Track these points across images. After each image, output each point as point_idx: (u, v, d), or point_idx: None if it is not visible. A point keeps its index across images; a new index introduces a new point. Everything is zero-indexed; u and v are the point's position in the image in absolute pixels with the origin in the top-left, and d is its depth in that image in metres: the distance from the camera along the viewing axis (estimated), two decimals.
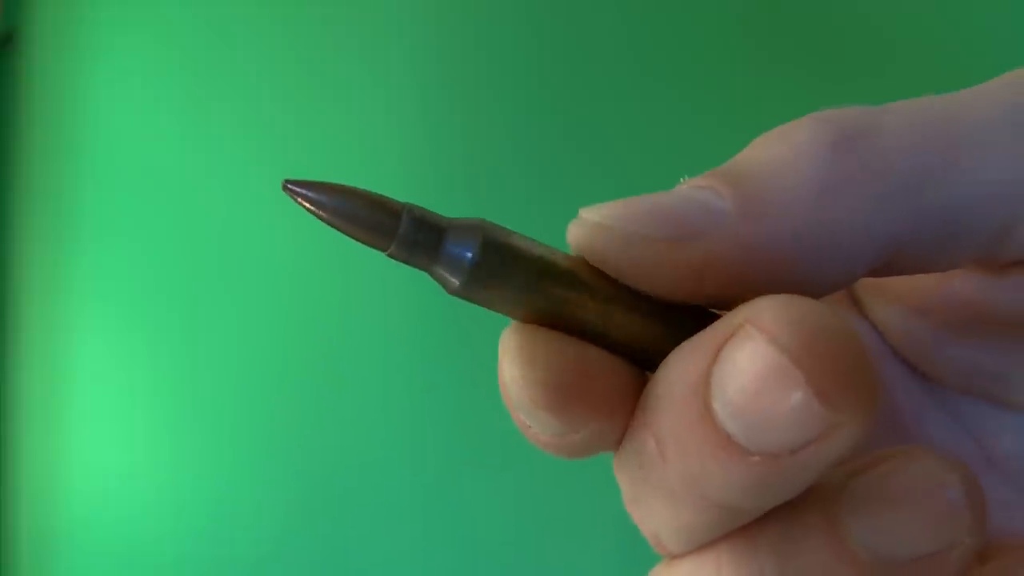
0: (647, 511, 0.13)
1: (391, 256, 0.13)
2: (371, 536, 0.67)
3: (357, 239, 0.13)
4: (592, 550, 0.61)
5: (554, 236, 0.13)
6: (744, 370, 0.11)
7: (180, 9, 0.74)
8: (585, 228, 0.13)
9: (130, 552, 0.74)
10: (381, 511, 0.67)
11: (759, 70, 0.58)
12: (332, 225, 0.13)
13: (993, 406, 0.15)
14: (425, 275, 0.13)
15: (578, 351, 0.13)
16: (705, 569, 0.13)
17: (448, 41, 0.66)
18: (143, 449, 0.74)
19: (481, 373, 0.62)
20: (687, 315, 0.13)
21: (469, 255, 0.12)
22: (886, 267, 0.13)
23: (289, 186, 0.13)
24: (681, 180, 0.13)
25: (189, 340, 0.73)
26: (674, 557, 0.13)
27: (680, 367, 0.12)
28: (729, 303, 0.13)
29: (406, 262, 0.13)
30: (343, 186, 0.13)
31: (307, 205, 0.13)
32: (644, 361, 0.13)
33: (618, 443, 0.13)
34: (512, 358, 0.12)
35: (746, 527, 0.12)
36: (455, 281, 0.12)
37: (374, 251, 0.13)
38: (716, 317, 0.13)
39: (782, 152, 0.12)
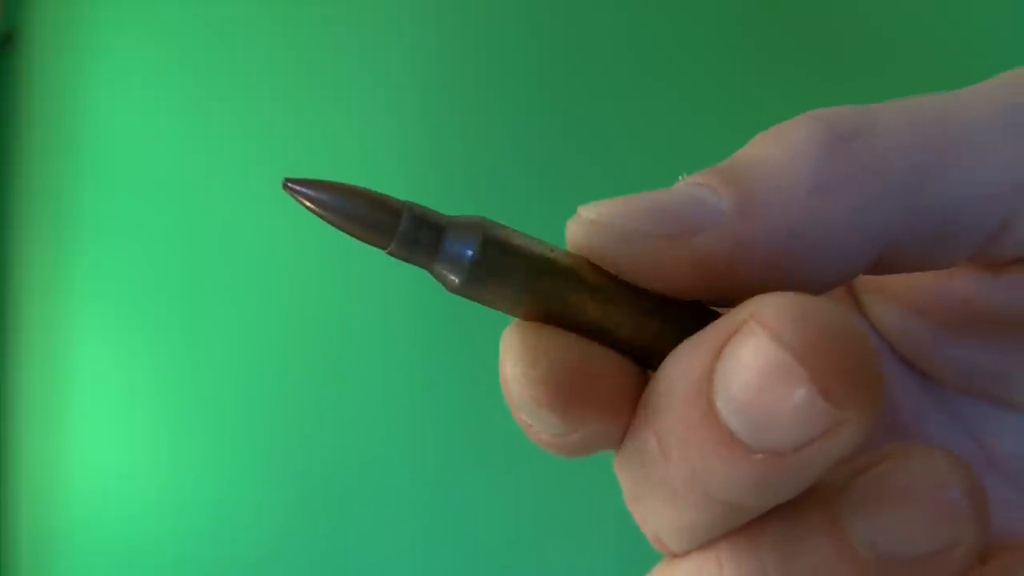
0: (648, 510, 0.13)
1: (391, 254, 0.13)
2: (371, 536, 0.67)
3: (357, 237, 0.13)
4: (592, 549, 0.60)
5: (554, 235, 0.13)
6: (747, 367, 0.11)
7: (180, 9, 0.74)
8: (583, 225, 0.13)
9: (130, 552, 0.74)
10: (381, 511, 0.67)
11: (759, 70, 0.58)
12: (332, 224, 0.13)
13: (993, 406, 0.15)
14: (425, 273, 0.13)
15: (580, 349, 0.13)
16: (707, 568, 0.13)
17: (448, 41, 0.66)
18: (143, 449, 0.74)
19: (481, 372, 0.62)
20: (687, 312, 0.13)
21: (469, 253, 0.12)
22: (882, 265, 0.13)
23: (289, 185, 0.13)
24: (679, 178, 0.13)
25: (189, 340, 0.73)
26: (675, 556, 0.13)
27: (683, 364, 0.12)
28: (728, 300, 0.13)
29: (406, 260, 0.13)
30: (343, 184, 0.13)
31: (307, 204, 0.13)
32: (645, 359, 0.13)
33: (619, 442, 0.13)
34: (514, 357, 0.12)
35: (748, 525, 0.12)
36: (455, 279, 0.12)
37: (374, 250, 0.13)
38: (716, 315, 0.13)
39: (778, 151, 0.12)
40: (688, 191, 0.13)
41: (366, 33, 0.68)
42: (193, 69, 0.73)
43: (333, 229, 0.13)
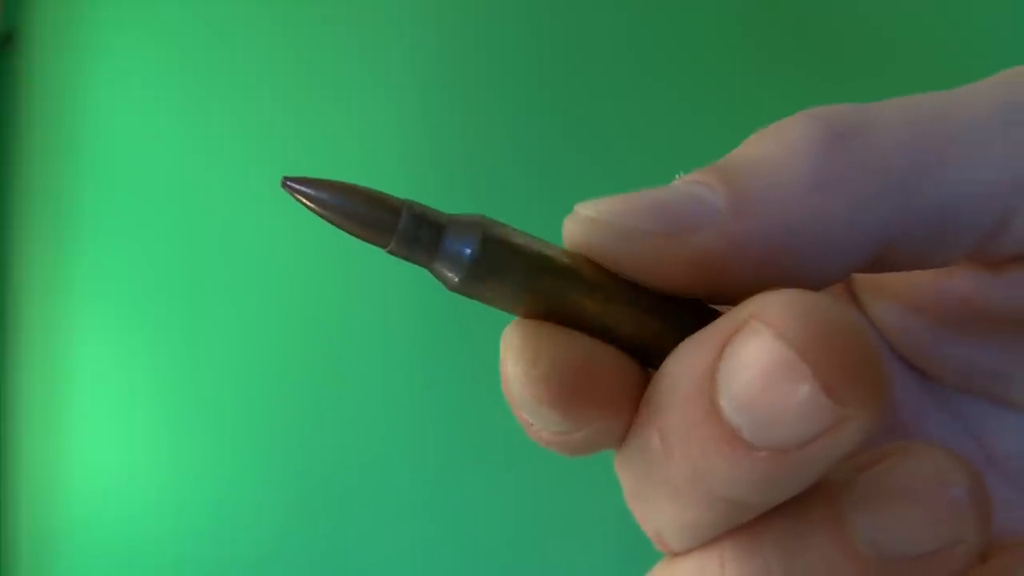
0: (650, 508, 0.13)
1: (391, 253, 0.13)
2: (371, 536, 0.67)
3: (357, 236, 0.13)
4: (593, 548, 0.60)
5: (554, 234, 0.13)
6: (751, 364, 0.11)
7: (180, 9, 0.74)
8: (581, 223, 0.13)
9: (130, 552, 0.74)
10: (381, 510, 0.67)
11: (759, 70, 0.58)
12: (332, 222, 0.13)
13: (993, 405, 0.15)
14: (425, 272, 0.13)
15: (581, 348, 0.13)
16: (709, 566, 0.13)
17: (448, 41, 0.66)
18: (143, 449, 0.74)
19: (482, 370, 0.62)
20: (687, 310, 0.13)
21: (469, 251, 0.12)
22: (879, 263, 0.13)
23: (288, 183, 0.13)
24: (677, 176, 0.13)
25: (189, 340, 0.73)
26: (676, 555, 0.13)
27: (685, 362, 0.12)
28: (726, 297, 0.13)
29: (406, 259, 0.13)
30: (343, 183, 0.13)
31: (307, 202, 0.13)
32: (646, 357, 0.13)
33: (621, 440, 0.13)
34: (515, 355, 0.12)
35: (750, 524, 0.12)
36: (455, 277, 0.12)
37: (374, 249, 0.13)
38: (716, 312, 0.13)
39: (776, 148, 0.12)
40: (686, 189, 0.13)
41: (366, 33, 0.68)
42: (193, 69, 0.73)
43: (333, 228, 0.13)
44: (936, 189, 0.12)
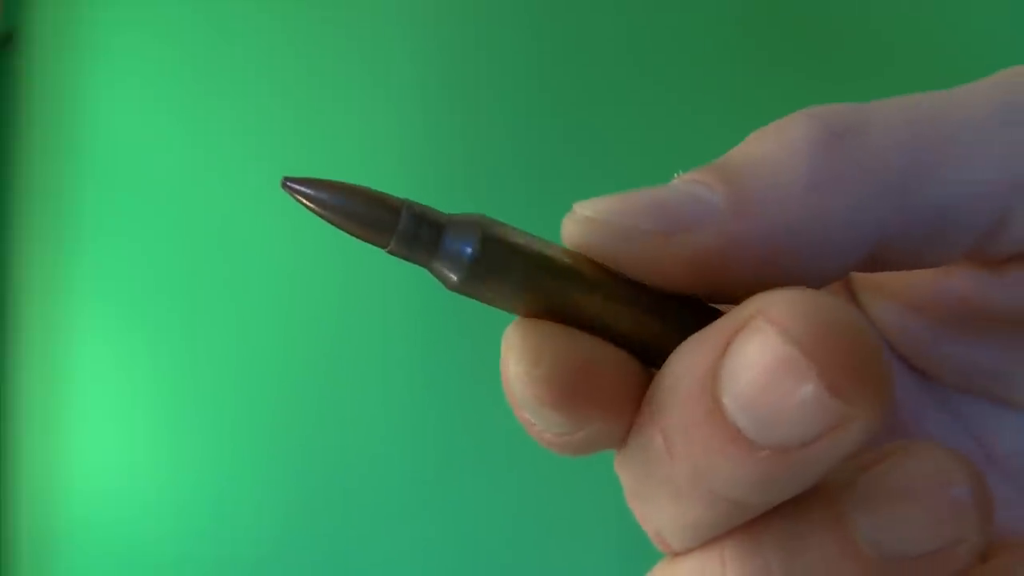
0: (651, 508, 0.13)
1: (391, 253, 0.13)
2: (372, 535, 0.67)
3: (357, 236, 0.13)
4: (593, 548, 0.60)
5: (554, 234, 0.13)
6: (754, 363, 0.11)
7: (180, 9, 0.74)
8: (580, 223, 0.13)
9: (130, 552, 0.74)
10: (382, 510, 0.67)
11: (759, 70, 0.58)
12: (332, 222, 0.13)
13: (993, 404, 0.15)
14: (425, 272, 0.13)
15: (582, 347, 0.13)
16: (710, 565, 0.12)
17: (448, 41, 0.66)
18: (143, 449, 0.74)
19: (482, 370, 0.62)
20: (687, 308, 0.13)
21: (468, 251, 0.12)
22: (876, 262, 0.13)
23: (288, 183, 0.13)
24: (676, 175, 0.13)
25: (189, 340, 0.73)
26: (677, 554, 0.13)
27: (688, 361, 0.12)
28: (724, 296, 0.13)
29: (406, 258, 0.13)
30: (342, 183, 0.13)
31: (306, 202, 0.13)
32: (648, 356, 0.13)
33: (622, 441, 0.13)
34: (516, 355, 0.12)
35: (751, 523, 0.12)
36: (454, 277, 0.12)
37: (374, 249, 0.13)
38: (716, 311, 0.13)
39: (774, 147, 0.12)
40: (685, 188, 0.13)
41: (366, 33, 0.68)
42: (193, 69, 0.73)
43: (333, 228, 0.13)
44: (934, 189, 0.12)
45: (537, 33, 0.63)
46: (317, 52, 0.69)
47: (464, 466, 0.64)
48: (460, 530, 0.64)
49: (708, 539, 0.13)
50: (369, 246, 0.13)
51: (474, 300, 0.13)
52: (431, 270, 0.13)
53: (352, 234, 0.13)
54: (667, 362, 0.12)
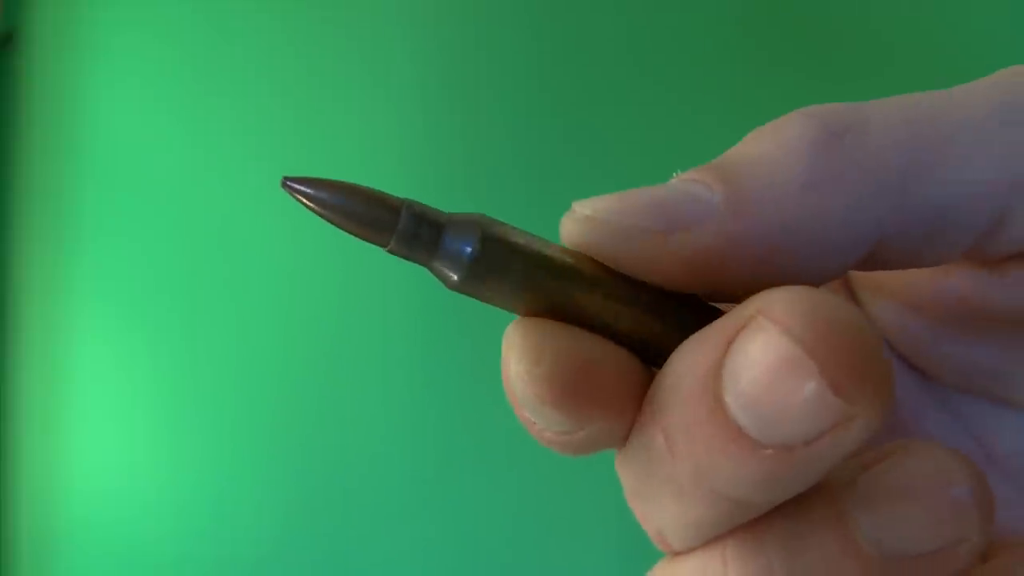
0: (652, 507, 0.13)
1: (391, 252, 0.13)
2: (372, 535, 0.67)
3: (357, 236, 0.13)
4: (594, 548, 0.60)
5: (554, 233, 0.13)
6: (757, 361, 0.11)
7: (180, 8, 0.74)
8: (578, 222, 0.13)
9: (130, 552, 0.74)
10: (381, 510, 0.67)
11: (759, 71, 0.58)
12: (332, 222, 0.13)
13: (993, 404, 0.15)
14: (425, 271, 0.13)
15: (584, 346, 0.13)
16: (711, 565, 0.13)
17: (448, 40, 0.66)
18: (143, 449, 0.74)
19: (482, 369, 0.62)
20: (690, 307, 0.13)
21: (468, 250, 0.12)
22: (873, 261, 0.13)
23: (288, 183, 0.13)
24: (674, 174, 0.13)
25: (189, 340, 0.73)
26: (678, 554, 0.13)
27: (690, 359, 0.12)
28: (722, 294, 0.13)
29: (406, 258, 0.13)
30: (342, 183, 0.13)
31: (306, 202, 0.13)
32: (648, 355, 0.13)
33: (623, 440, 0.13)
34: (517, 354, 0.12)
35: (753, 523, 0.12)
36: (454, 276, 0.12)
37: (374, 248, 0.13)
38: (716, 309, 0.13)
39: (772, 147, 0.12)
40: (683, 187, 0.13)
41: (366, 33, 0.68)
42: (193, 69, 0.73)
43: (333, 228, 0.13)
44: (932, 188, 0.12)
45: (537, 33, 0.63)
46: (317, 52, 0.69)
47: (464, 466, 0.64)
48: (460, 530, 0.64)
49: (709, 538, 0.13)
50: (369, 246, 0.13)
51: (474, 299, 0.13)
52: (431, 269, 0.13)
53: (352, 233, 0.13)
54: (668, 361, 0.12)
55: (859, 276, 0.16)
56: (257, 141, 0.71)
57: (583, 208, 0.13)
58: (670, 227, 0.12)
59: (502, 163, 0.64)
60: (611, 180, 0.60)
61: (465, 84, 0.65)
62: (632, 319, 0.13)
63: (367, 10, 0.68)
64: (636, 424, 0.13)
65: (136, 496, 0.74)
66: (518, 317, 0.13)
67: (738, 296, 0.12)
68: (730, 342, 0.11)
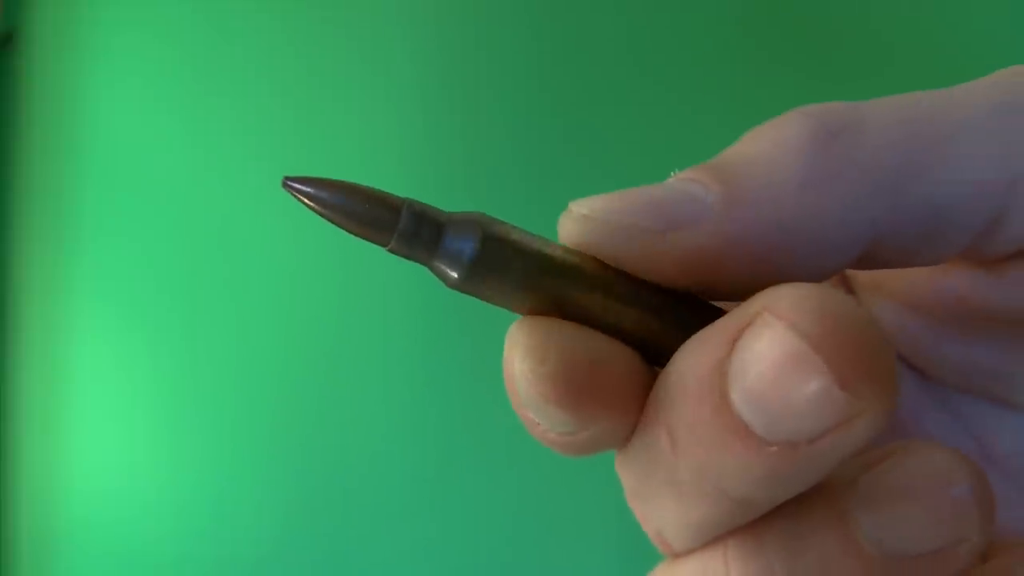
0: (653, 507, 0.13)
1: (391, 251, 0.13)
2: (372, 535, 0.67)
3: (357, 235, 0.13)
4: (594, 548, 0.60)
5: (554, 233, 0.14)
6: (763, 357, 0.11)
7: (180, 8, 0.74)
8: (576, 221, 0.13)
9: (130, 552, 0.74)
10: (382, 510, 0.67)
11: (759, 70, 0.58)
12: (332, 221, 0.13)
13: (992, 404, 0.15)
14: (425, 270, 0.13)
15: (588, 345, 0.13)
16: (712, 566, 0.12)
17: (449, 40, 0.66)
18: (143, 449, 0.74)
19: (482, 368, 0.62)
20: (692, 306, 0.13)
21: (469, 249, 0.12)
22: (868, 260, 0.13)
23: (288, 183, 0.13)
24: (672, 173, 0.13)
25: (189, 340, 0.73)
26: (678, 555, 0.13)
27: (695, 357, 0.12)
28: (720, 293, 0.13)
29: (406, 257, 0.13)
30: (343, 182, 0.13)
31: (307, 201, 0.13)
32: (651, 354, 0.13)
33: (625, 440, 0.13)
34: (521, 353, 0.12)
35: (753, 523, 0.12)
36: (455, 275, 0.12)
37: (374, 247, 0.13)
38: (716, 307, 0.13)
39: (768, 146, 0.12)
40: (680, 186, 0.13)
41: (366, 32, 0.68)
42: (193, 68, 0.73)
43: (333, 227, 0.13)
44: (929, 188, 0.12)
45: (537, 33, 0.63)
46: (317, 52, 0.69)
47: (464, 465, 0.64)
48: (460, 530, 0.64)
49: (710, 539, 0.13)
50: (369, 245, 0.13)
51: (474, 298, 0.13)
52: (431, 268, 0.13)
53: (353, 233, 0.13)
54: (672, 359, 0.12)
55: (858, 276, 0.16)
56: (257, 141, 0.71)
57: (580, 207, 0.13)
58: (667, 226, 0.12)
59: (502, 163, 0.64)
60: (611, 180, 0.60)
61: (465, 84, 0.65)
62: (633, 318, 0.13)
63: (367, 10, 0.68)
64: (640, 423, 0.13)
65: (136, 496, 0.74)
66: (521, 316, 0.13)
67: (735, 295, 0.12)
68: (735, 339, 0.11)
